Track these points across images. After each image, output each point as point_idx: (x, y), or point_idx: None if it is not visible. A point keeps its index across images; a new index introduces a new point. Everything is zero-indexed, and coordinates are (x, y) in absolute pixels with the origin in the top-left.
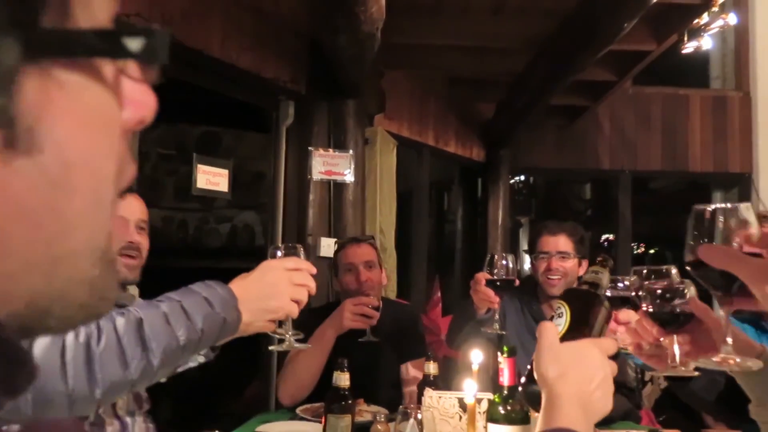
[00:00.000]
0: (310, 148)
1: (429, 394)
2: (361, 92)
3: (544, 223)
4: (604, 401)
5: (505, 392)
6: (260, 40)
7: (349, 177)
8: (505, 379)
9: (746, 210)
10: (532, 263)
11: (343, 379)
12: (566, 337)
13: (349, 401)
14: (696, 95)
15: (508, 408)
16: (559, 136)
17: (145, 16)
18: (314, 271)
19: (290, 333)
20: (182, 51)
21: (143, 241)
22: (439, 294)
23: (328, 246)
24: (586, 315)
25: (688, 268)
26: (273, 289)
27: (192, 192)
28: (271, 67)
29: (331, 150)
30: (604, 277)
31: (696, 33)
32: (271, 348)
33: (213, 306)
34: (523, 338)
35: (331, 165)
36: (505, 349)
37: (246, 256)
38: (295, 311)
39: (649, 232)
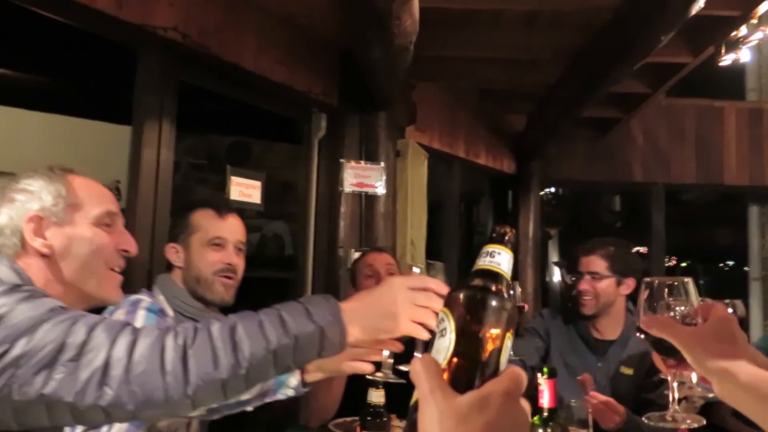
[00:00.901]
0: (341, 160)
1: None
2: (392, 104)
3: (586, 242)
4: None
5: (545, 414)
6: (293, 52)
7: (380, 189)
8: (545, 400)
9: (687, 284)
10: (569, 281)
11: (378, 396)
12: (457, 372)
13: (384, 419)
14: (731, 107)
15: (549, 431)
16: (591, 148)
17: (181, 29)
18: (444, 291)
19: (389, 364)
20: (217, 64)
21: (240, 263)
22: None
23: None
24: (480, 340)
25: (640, 335)
26: (389, 308)
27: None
28: (303, 80)
29: (362, 162)
30: (504, 261)
31: (734, 45)
32: (369, 376)
33: (311, 314)
34: (567, 356)
35: (363, 177)
36: (545, 370)
37: (275, 265)
38: (415, 332)
39: (680, 245)
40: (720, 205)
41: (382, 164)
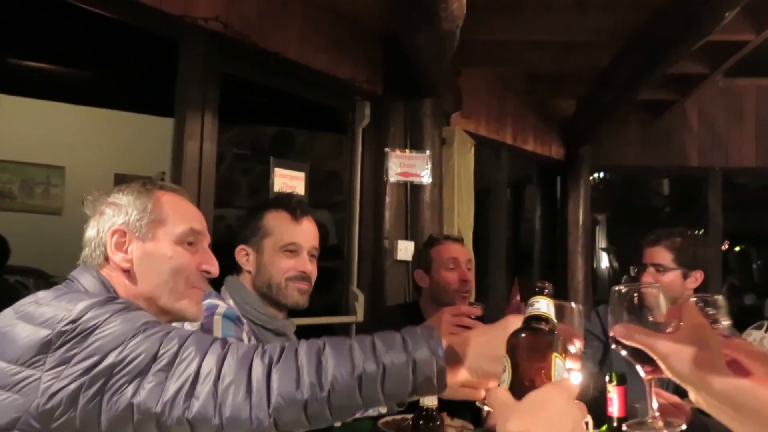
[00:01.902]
0: (386, 149)
1: None
2: (438, 91)
3: (653, 232)
4: None
5: (615, 423)
6: (336, 40)
7: (426, 178)
8: (615, 409)
9: (657, 290)
10: (632, 272)
11: (431, 399)
12: (515, 392)
13: (438, 422)
14: None
15: None
16: (644, 132)
17: (222, 19)
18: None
19: None
20: (259, 53)
21: (314, 270)
22: (518, 297)
23: (405, 249)
24: (531, 363)
25: (613, 344)
26: (501, 351)
27: (270, 196)
28: (347, 68)
29: (407, 151)
30: (543, 305)
31: None
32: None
33: (406, 345)
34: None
35: (408, 166)
36: (614, 376)
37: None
38: None
39: (733, 228)
40: None
41: (428, 153)
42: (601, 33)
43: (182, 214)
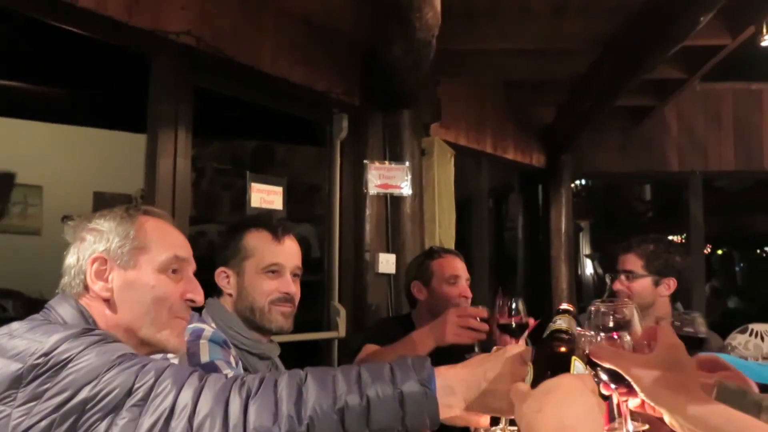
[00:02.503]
0: (365, 161)
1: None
2: (416, 102)
3: (628, 239)
4: None
5: None
6: (312, 52)
7: (406, 190)
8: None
9: (632, 309)
10: (608, 281)
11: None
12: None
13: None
14: None
15: None
16: (624, 138)
17: (195, 33)
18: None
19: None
20: (233, 67)
21: (298, 290)
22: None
23: (386, 262)
24: (553, 364)
25: (587, 366)
26: (500, 383)
27: (247, 212)
28: (323, 80)
29: (387, 162)
30: (564, 321)
31: None
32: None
33: (394, 375)
34: None
35: (388, 178)
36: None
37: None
38: None
39: (715, 232)
40: (755, 191)
41: (407, 164)
42: (578, 40)
43: (166, 241)
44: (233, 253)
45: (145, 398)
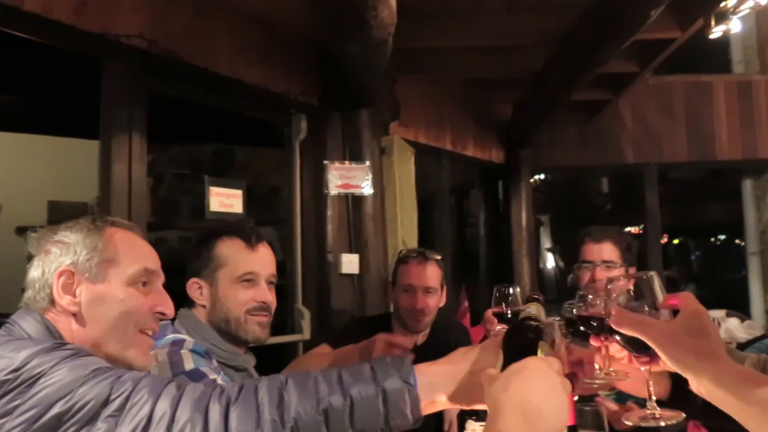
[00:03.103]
0: (325, 161)
1: (471, 426)
2: (375, 101)
3: (588, 230)
4: (555, 414)
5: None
6: (268, 53)
7: (367, 189)
8: None
9: (652, 279)
10: (574, 272)
11: None
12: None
13: None
14: (719, 81)
15: None
16: (581, 132)
17: (147, 36)
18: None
19: None
20: (188, 69)
21: (274, 299)
22: (466, 303)
23: (349, 262)
24: (520, 348)
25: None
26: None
27: (206, 216)
28: (280, 81)
29: (347, 162)
30: (533, 309)
31: (723, 16)
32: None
33: (375, 375)
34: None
35: (348, 178)
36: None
37: None
38: None
39: (671, 222)
40: (709, 181)
41: (368, 163)
42: (533, 36)
43: (136, 253)
44: (205, 263)
45: (121, 408)
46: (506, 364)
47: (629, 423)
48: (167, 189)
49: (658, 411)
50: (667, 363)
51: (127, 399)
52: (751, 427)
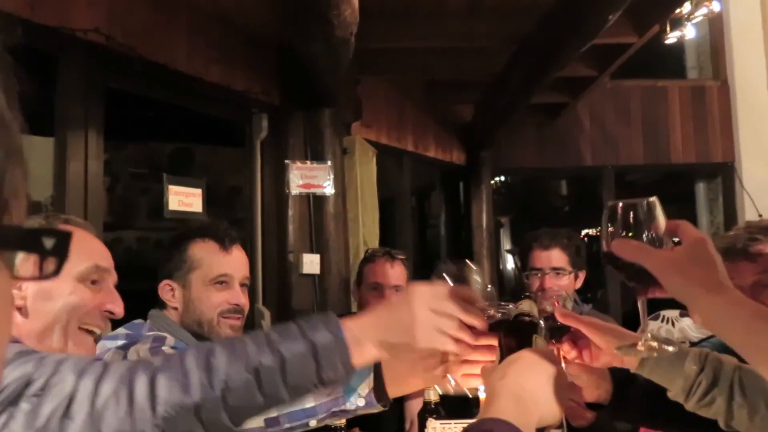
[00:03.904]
0: (286, 161)
1: (432, 425)
2: (336, 101)
3: (535, 234)
4: (549, 404)
5: None
6: (229, 51)
7: (328, 189)
8: None
9: (653, 204)
10: (524, 280)
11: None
12: None
13: None
14: (674, 86)
15: None
16: (540, 134)
17: (104, 31)
18: (477, 301)
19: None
20: (146, 66)
21: (247, 302)
22: None
23: (310, 262)
24: (516, 343)
25: (605, 262)
26: (406, 321)
27: (164, 215)
28: (241, 79)
29: (308, 162)
30: (526, 306)
31: (678, 22)
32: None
33: (303, 332)
34: None
35: (309, 178)
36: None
37: None
38: (442, 345)
39: None
40: (665, 184)
41: (329, 163)
42: (493, 38)
43: (88, 251)
44: (177, 265)
45: (44, 387)
46: (503, 357)
47: (620, 352)
48: (124, 188)
49: (652, 342)
50: (670, 292)
51: (49, 377)
52: (757, 361)
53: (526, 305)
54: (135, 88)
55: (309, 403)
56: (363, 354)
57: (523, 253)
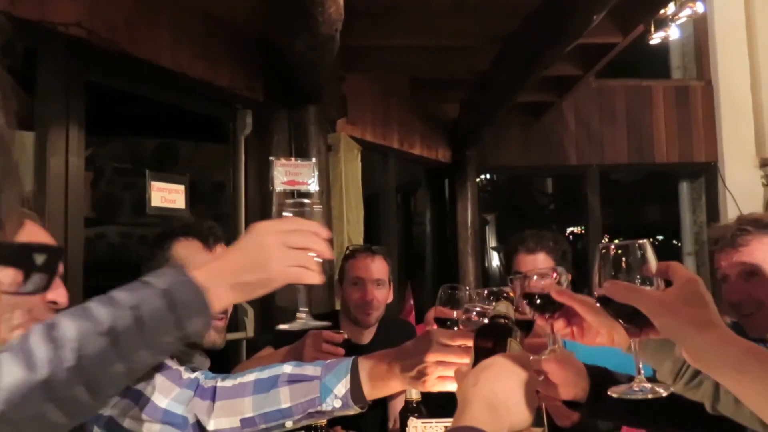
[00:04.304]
0: (270, 157)
1: (413, 423)
2: (321, 98)
3: (521, 237)
4: (520, 409)
5: None
6: (213, 47)
7: (313, 186)
8: None
9: (645, 247)
10: (509, 284)
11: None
12: None
13: None
14: (659, 86)
15: None
16: (525, 133)
17: (85, 25)
18: (324, 233)
19: (303, 308)
20: (129, 61)
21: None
22: (411, 301)
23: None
24: (491, 347)
25: (598, 304)
26: (257, 257)
27: (147, 211)
28: (225, 75)
29: (293, 159)
30: (502, 307)
31: (663, 23)
32: (281, 327)
33: (149, 283)
34: None
35: (294, 174)
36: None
37: None
38: (299, 277)
39: (611, 223)
40: (648, 183)
41: (314, 160)
42: (479, 37)
43: (29, 240)
44: (160, 263)
45: None
46: (477, 360)
47: (614, 395)
48: (108, 184)
49: (646, 385)
50: (662, 333)
51: None
52: (750, 399)
53: (502, 306)
54: (117, 84)
55: (285, 403)
56: (219, 300)
57: (507, 256)
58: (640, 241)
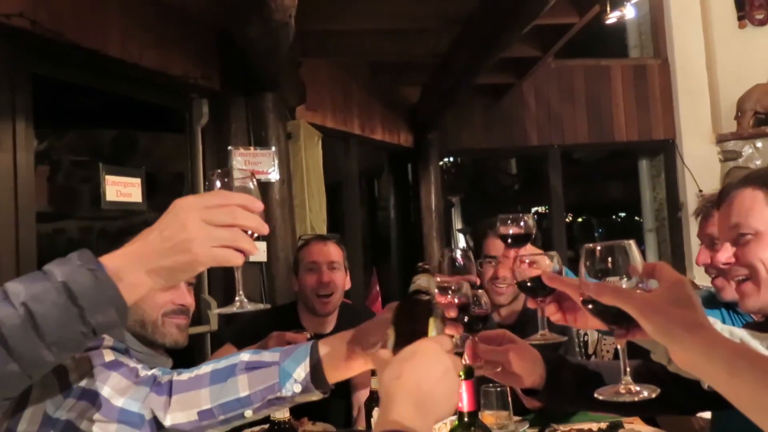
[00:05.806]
0: (229, 147)
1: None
2: (279, 84)
3: (491, 221)
4: (446, 398)
5: (465, 419)
6: (165, 35)
7: (273, 175)
8: (464, 404)
9: (630, 247)
10: (478, 267)
11: (282, 412)
12: (396, 353)
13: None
14: (617, 65)
15: None
16: (487, 115)
17: (29, 15)
18: (256, 206)
19: (240, 292)
20: (76, 52)
21: (193, 301)
22: (377, 288)
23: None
24: (411, 326)
25: (584, 305)
26: (179, 238)
27: (102, 206)
28: (179, 64)
29: (252, 148)
30: (423, 281)
31: (618, 2)
32: (217, 311)
33: (46, 272)
34: None
35: (254, 164)
36: (460, 372)
37: None
38: (226, 259)
39: (575, 201)
40: (609, 161)
41: (273, 149)
42: (437, 19)
43: None
44: None
45: None
46: (397, 340)
47: (600, 397)
48: (65, 177)
49: (633, 386)
50: (650, 334)
51: None
52: (741, 402)
53: (423, 280)
54: (65, 75)
55: (243, 391)
56: (134, 287)
57: (477, 240)
58: (626, 242)
